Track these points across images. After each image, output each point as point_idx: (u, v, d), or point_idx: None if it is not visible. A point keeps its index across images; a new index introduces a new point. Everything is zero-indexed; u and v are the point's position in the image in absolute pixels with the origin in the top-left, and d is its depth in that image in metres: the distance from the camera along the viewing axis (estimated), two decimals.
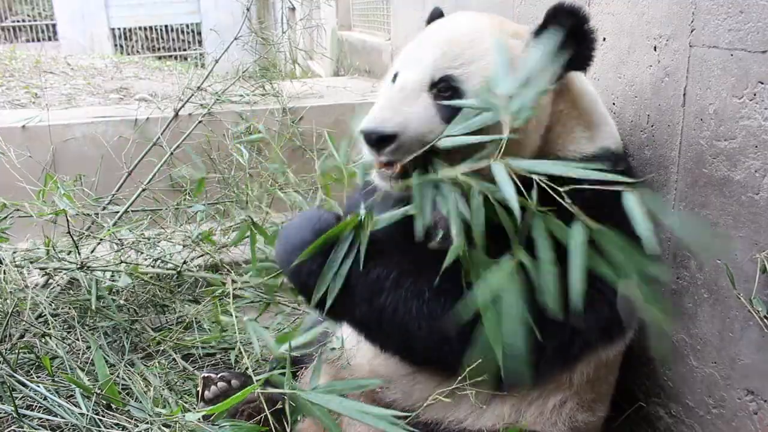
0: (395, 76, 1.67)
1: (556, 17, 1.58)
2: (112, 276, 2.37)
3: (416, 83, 1.56)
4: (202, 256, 2.91)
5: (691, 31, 1.69)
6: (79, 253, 2.40)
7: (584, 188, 1.27)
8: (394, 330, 1.55)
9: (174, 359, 2.39)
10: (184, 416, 1.59)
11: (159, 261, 2.72)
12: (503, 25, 1.67)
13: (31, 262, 2.42)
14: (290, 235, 1.64)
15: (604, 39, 2.11)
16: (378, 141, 1.48)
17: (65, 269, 2.36)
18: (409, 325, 1.51)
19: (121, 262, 2.46)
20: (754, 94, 1.50)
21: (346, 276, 1.53)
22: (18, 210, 2.73)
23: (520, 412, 1.69)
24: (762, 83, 1.47)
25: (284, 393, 1.52)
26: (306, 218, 1.65)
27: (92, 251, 2.78)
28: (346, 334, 1.87)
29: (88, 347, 2.15)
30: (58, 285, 2.44)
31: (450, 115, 1.51)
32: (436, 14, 1.95)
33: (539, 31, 1.61)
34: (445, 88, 1.55)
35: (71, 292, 2.49)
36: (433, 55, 1.58)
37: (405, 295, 1.52)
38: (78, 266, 2.32)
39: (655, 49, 1.85)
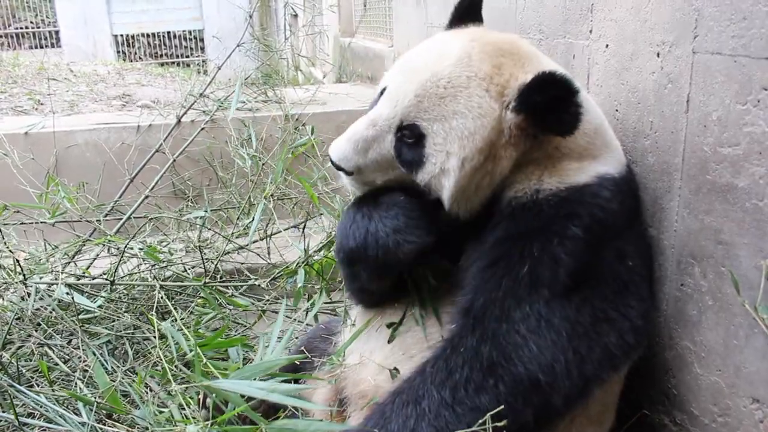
0: (383, 90, 1.72)
1: (546, 86, 1.52)
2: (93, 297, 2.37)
3: (386, 123, 1.63)
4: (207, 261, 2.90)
5: (695, 38, 1.69)
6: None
7: None
8: None
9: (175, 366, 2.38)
10: (186, 427, 1.58)
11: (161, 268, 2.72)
12: (493, 77, 1.57)
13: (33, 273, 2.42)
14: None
15: (607, 46, 2.11)
16: (340, 169, 1.71)
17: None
18: None
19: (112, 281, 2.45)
20: (758, 101, 1.49)
21: None
22: (18, 212, 2.73)
23: None
24: (766, 90, 1.47)
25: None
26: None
27: (94, 259, 2.77)
28: (349, 350, 1.86)
29: (89, 354, 2.14)
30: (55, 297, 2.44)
31: (410, 159, 1.61)
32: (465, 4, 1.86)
33: (524, 94, 1.54)
34: (410, 135, 1.60)
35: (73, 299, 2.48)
36: (408, 97, 1.59)
37: None
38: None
39: (658, 56, 1.85)
